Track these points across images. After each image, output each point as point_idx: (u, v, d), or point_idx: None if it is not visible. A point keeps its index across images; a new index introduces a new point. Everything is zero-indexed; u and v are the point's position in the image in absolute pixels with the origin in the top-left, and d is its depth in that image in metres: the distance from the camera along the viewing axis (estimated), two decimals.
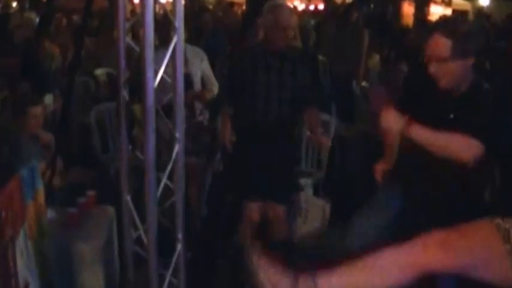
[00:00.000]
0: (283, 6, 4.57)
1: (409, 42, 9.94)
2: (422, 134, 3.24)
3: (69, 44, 11.41)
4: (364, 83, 8.72)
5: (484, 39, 3.44)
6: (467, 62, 3.24)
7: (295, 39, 8.48)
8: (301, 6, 21.81)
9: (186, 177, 3.01)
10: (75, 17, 16.65)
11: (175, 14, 2.75)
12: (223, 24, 10.04)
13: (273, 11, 4.52)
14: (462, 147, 3.17)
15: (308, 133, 5.08)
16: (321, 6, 19.40)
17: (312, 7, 21.71)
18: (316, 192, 5.90)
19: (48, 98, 6.41)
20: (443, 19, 4.48)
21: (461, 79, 3.30)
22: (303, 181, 5.67)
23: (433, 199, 3.42)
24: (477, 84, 3.33)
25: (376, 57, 10.07)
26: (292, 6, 20.65)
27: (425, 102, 3.41)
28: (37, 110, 4.92)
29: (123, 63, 2.75)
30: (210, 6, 21.47)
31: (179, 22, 2.76)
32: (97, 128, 6.43)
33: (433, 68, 3.27)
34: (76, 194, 4.16)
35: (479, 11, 22.61)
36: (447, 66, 3.23)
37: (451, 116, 3.34)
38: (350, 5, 11.99)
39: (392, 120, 3.30)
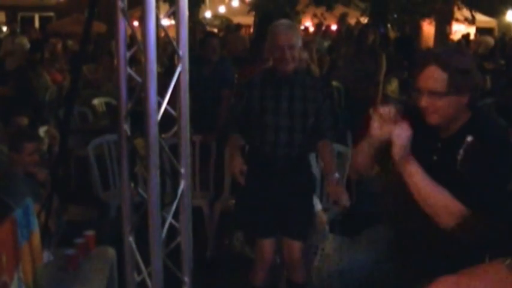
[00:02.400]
0: (281, 24, 4.56)
1: None
2: (414, 177, 3.12)
3: (65, 71, 11.50)
4: None
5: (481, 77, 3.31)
6: (461, 99, 3.13)
7: (312, 62, 8.51)
8: (312, 28, 21.92)
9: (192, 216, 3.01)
10: (71, 42, 16.80)
11: (179, 41, 2.76)
12: (230, 50, 10.09)
13: (271, 30, 4.55)
14: (446, 212, 3.03)
15: (322, 165, 5.08)
16: (333, 27, 19.52)
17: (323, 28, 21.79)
18: (332, 229, 5.88)
19: (43, 131, 6.44)
20: (439, 49, 4.37)
21: (452, 117, 3.18)
22: (319, 217, 5.66)
23: (424, 236, 3.28)
24: (471, 126, 3.18)
25: (395, 82, 10.06)
26: (303, 27, 20.88)
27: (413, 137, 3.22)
28: (33, 146, 4.94)
29: (124, 95, 2.75)
30: (215, 30, 21.68)
31: (183, 50, 2.77)
32: (96, 163, 6.46)
33: (424, 102, 3.15)
34: (74, 234, 4.16)
35: (506, 29, 22.67)
36: (440, 102, 3.12)
37: (434, 158, 3.24)
38: (365, 26, 12.05)
39: (398, 147, 3.14)
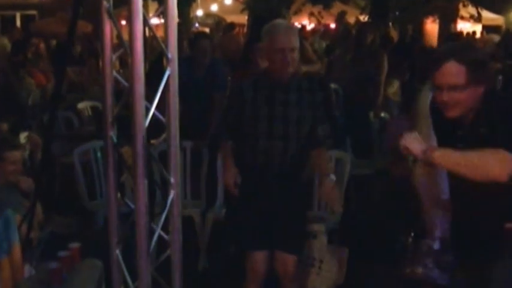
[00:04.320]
0: (279, 25, 4.55)
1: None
2: (449, 156, 3.31)
3: (49, 73, 11.48)
4: (383, 114, 8.74)
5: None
6: (478, 90, 3.34)
7: (312, 63, 8.47)
8: (310, 26, 21.95)
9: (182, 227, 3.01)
10: (55, 43, 16.74)
11: (168, 42, 2.75)
12: (223, 51, 10.05)
13: (269, 31, 4.52)
14: (495, 162, 3.21)
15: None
16: (333, 26, 19.51)
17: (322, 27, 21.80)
18: (330, 239, 5.89)
19: (24, 137, 6.40)
20: (453, 45, 4.50)
21: (470, 108, 3.38)
22: (316, 227, 5.66)
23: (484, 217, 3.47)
24: (486, 107, 3.38)
25: (396, 84, 10.07)
26: (299, 26, 20.90)
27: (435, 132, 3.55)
28: (15, 155, 4.92)
29: (110, 99, 2.75)
30: (206, 29, 21.64)
31: (173, 52, 2.76)
32: (82, 171, 6.45)
33: (445, 97, 3.34)
34: (58, 246, 4.15)
35: None
36: (460, 95, 3.32)
37: (460, 146, 3.39)
38: (364, 24, 12.02)
39: (413, 142, 3.35)
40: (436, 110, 3.48)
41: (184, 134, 2.94)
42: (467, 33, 20.81)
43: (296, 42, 4.47)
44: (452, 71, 3.30)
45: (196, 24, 23.25)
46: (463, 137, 3.43)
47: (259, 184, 4.62)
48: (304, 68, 8.02)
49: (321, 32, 18.42)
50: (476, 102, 3.36)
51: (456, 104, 3.34)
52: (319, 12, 20.49)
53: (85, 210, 6.38)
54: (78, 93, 10.25)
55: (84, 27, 16.21)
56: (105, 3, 2.62)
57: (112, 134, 2.76)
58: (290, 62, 4.45)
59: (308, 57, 8.85)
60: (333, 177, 4.61)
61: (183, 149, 6.32)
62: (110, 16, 2.65)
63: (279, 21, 4.73)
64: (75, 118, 9.02)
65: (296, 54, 4.49)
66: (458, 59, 3.30)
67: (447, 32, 19.17)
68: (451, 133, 3.46)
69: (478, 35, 21.70)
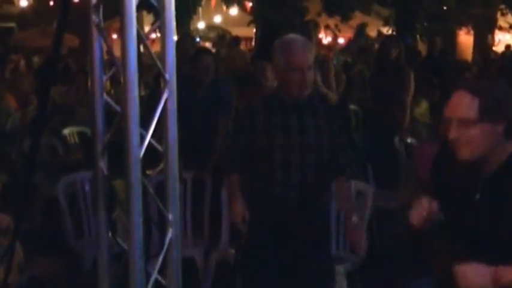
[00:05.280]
0: (295, 41, 4.59)
1: None
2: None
3: (30, 94, 11.50)
4: (409, 139, 8.72)
5: None
6: (496, 128, 3.18)
7: (328, 87, 8.46)
8: (326, 40, 21.97)
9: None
10: (37, 59, 16.82)
11: (166, 61, 2.75)
12: (227, 69, 10.08)
13: (283, 47, 4.54)
14: None
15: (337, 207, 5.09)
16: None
17: (341, 40, 21.85)
18: (351, 283, 5.88)
19: None
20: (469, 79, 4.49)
21: (488, 150, 3.22)
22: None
23: None
24: None
25: (424, 104, 10.07)
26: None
27: (450, 175, 3.39)
28: None
29: (100, 125, 2.75)
30: (208, 44, 21.66)
31: (171, 72, 2.76)
32: (67, 205, 6.45)
33: (453, 133, 3.20)
34: None
35: None
36: (472, 131, 3.17)
37: (477, 197, 3.27)
38: (388, 38, 12.01)
39: (472, 276, 3.20)
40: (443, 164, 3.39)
41: (184, 163, 2.95)
42: (507, 45, 20.75)
43: (312, 59, 4.49)
44: (463, 102, 3.18)
45: (198, 39, 23.31)
46: (484, 190, 3.26)
47: (275, 221, 4.62)
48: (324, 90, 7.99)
49: (342, 46, 18.40)
50: (496, 143, 3.21)
51: (468, 143, 3.18)
52: (336, 25, 20.50)
53: (71, 251, 6.37)
54: (63, 117, 10.26)
55: (70, 41, 16.32)
56: (94, 17, 2.63)
57: (102, 164, 2.77)
58: (308, 83, 4.49)
59: (329, 82, 8.74)
60: (355, 218, 4.61)
61: (183, 181, 6.32)
62: (100, 32, 2.66)
63: (294, 36, 4.75)
64: (60, 145, 9.03)
65: (312, 73, 4.51)
66: (470, 89, 3.19)
67: (483, 45, 19.18)
68: (471, 180, 3.30)
69: None
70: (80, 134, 9.33)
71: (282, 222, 4.60)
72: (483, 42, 20.62)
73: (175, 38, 2.78)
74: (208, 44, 22.12)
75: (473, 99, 3.15)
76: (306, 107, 4.59)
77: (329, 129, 4.62)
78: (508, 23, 21.84)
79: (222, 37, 20.37)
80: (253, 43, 20.29)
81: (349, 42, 18.89)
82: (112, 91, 9.24)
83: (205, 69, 7.23)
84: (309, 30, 8.09)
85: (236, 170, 4.74)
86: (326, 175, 4.67)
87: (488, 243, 3.20)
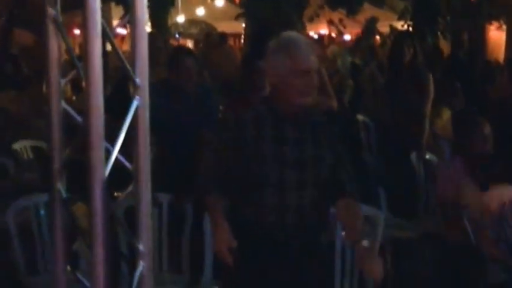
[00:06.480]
0: (299, 40, 4.61)
1: (497, 89, 9.95)
2: None
3: None
4: (429, 155, 8.70)
5: None
6: None
7: (326, 92, 8.47)
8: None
9: None
10: None
11: (137, 63, 2.72)
12: (213, 72, 10.09)
13: (285, 47, 4.55)
14: None
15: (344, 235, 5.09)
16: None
17: (347, 37, 21.94)
18: None
19: None
20: None
21: None
22: None
23: None
24: None
25: (447, 114, 10.06)
26: (316, 36, 21.02)
27: None
28: None
29: (57, 138, 2.75)
30: (189, 44, 21.63)
31: (143, 75, 2.73)
32: (18, 235, 6.42)
33: None
34: None
35: None
36: None
37: None
38: (401, 34, 11.97)
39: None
40: None
41: (159, 185, 2.93)
42: None
43: (316, 61, 4.53)
44: None
45: (177, 35, 23.27)
46: None
47: (267, 251, 4.61)
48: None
49: (349, 44, 18.42)
50: None
51: None
52: (341, 20, 20.53)
53: None
54: (14, 129, 10.26)
55: (23, 37, 16.28)
56: (50, 9, 2.61)
57: (60, 185, 2.76)
58: (315, 88, 4.54)
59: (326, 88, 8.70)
60: (366, 242, 4.60)
61: (157, 205, 6.31)
62: (58, 27, 2.65)
63: (294, 34, 4.77)
64: (9, 163, 9.01)
65: (315, 77, 4.54)
66: None
67: None
68: None
69: None
70: (35, 149, 9.31)
71: (276, 254, 4.60)
72: None
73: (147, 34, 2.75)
74: (189, 43, 22.13)
75: None
76: (303, 117, 4.60)
77: (329, 140, 4.65)
78: None
79: (208, 36, 20.34)
80: (242, 41, 20.34)
81: (358, 40, 18.87)
82: (73, 98, 9.25)
83: (186, 73, 7.14)
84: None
85: (215, 190, 4.72)
86: (327, 194, 4.66)
87: None
